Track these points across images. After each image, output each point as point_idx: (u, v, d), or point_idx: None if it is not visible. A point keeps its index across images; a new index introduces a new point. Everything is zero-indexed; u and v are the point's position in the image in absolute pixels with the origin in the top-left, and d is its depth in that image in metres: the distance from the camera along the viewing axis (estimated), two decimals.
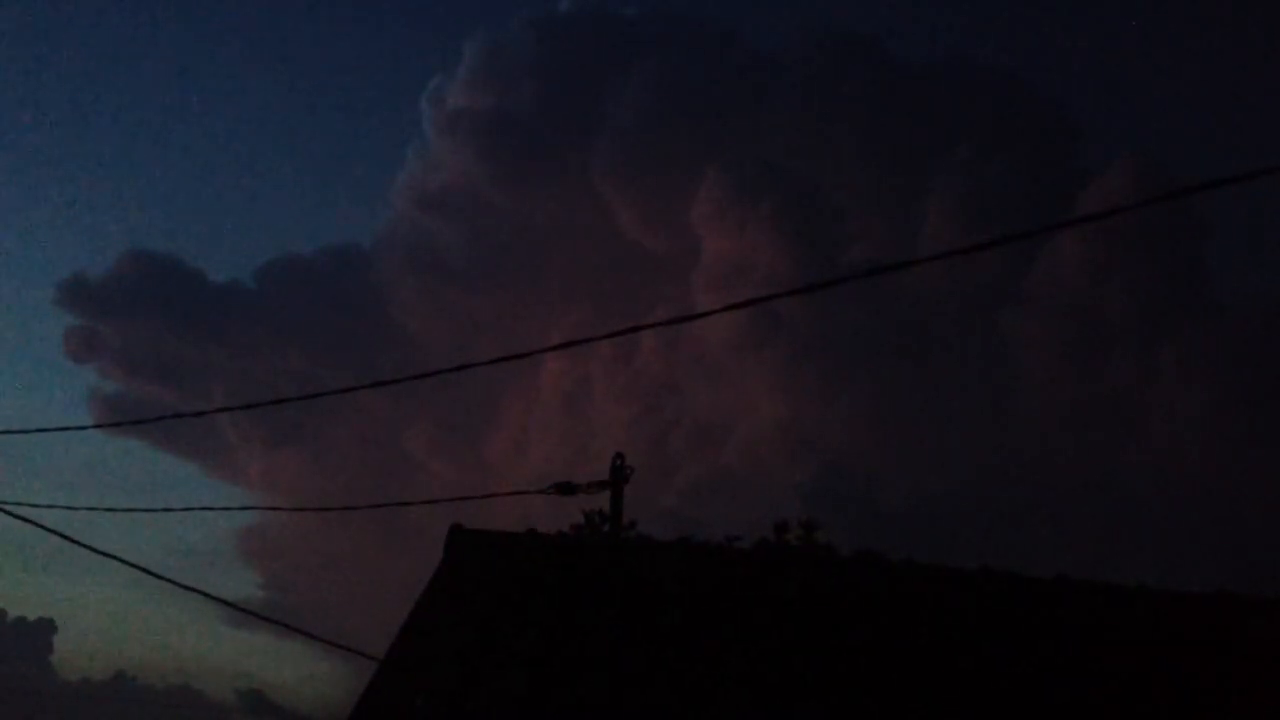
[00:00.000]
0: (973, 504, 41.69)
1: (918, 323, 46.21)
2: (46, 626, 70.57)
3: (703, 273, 46.76)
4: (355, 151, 69.64)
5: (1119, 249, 43.51)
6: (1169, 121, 58.61)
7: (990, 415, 45.05)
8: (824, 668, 11.26)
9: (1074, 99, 60.25)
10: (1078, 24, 62.70)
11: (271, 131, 69.12)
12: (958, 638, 11.66)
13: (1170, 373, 43.63)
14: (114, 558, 15.99)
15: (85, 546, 15.68)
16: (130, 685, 68.25)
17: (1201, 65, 59.45)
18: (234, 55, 70.83)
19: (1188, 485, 41.55)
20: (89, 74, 69.10)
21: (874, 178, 48.01)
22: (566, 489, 15.92)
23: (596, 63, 49.97)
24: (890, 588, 12.01)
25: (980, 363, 46.17)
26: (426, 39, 72.89)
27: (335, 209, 72.87)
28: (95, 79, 69.24)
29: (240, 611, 16.15)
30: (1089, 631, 11.77)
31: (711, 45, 50.20)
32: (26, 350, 66.61)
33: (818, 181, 47.46)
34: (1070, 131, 49.12)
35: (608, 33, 51.12)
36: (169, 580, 16.37)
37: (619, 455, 15.43)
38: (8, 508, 15.93)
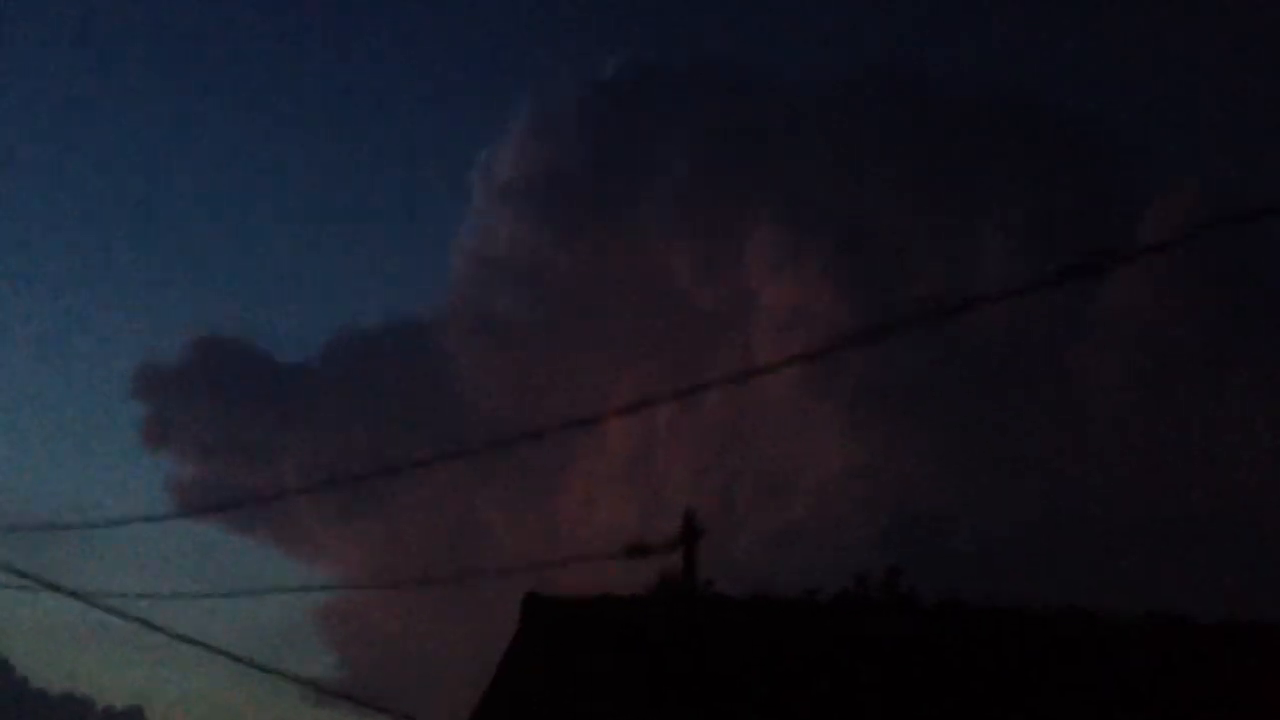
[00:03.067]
0: (1050, 541, 41.01)
1: (982, 359, 45.76)
2: (135, 715, 71.06)
3: (762, 322, 46.63)
4: (411, 223, 70.28)
5: (1184, 275, 42.93)
6: (1230, 141, 57.82)
7: (1064, 450, 44.39)
8: (912, 716, 11.09)
9: (1129, 121, 59.71)
10: (1127, 46, 62.20)
11: (327, 209, 70.02)
12: (1043, 679, 11.44)
13: (1244, 400, 42.82)
14: (197, 643, 16.13)
15: (167, 633, 15.83)
16: None
17: (1260, 82, 58.71)
18: (285, 139, 71.89)
19: (1271, 514, 40.63)
20: (146, 171, 70.48)
21: (930, 213, 47.77)
22: (639, 551, 15.80)
23: (643, 120, 50.30)
24: (973, 633, 11.82)
25: (1049, 396, 45.56)
26: (474, 107, 73.65)
27: (395, 283, 73.53)
28: (153, 176, 70.59)
29: (323, 692, 16.19)
30: (1179, 668, 11.50)
31: (756, 93, 50.36)
32: (103, 441, 67.53)
33: (873, 222, 47.32)
34: (1128, 154, 48.69)
35: (653, 90, 51.46)
36: (250, 663, 16.48)
37: (690, 513, 15.29)
38: (93, 598, 16.14)
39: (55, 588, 16.01)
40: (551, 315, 51.43)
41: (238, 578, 56.44)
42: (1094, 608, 13.21)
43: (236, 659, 16.15)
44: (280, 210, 70.70)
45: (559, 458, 50.46)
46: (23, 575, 15.85)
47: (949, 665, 11.55)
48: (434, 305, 61.11)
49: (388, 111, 72.00)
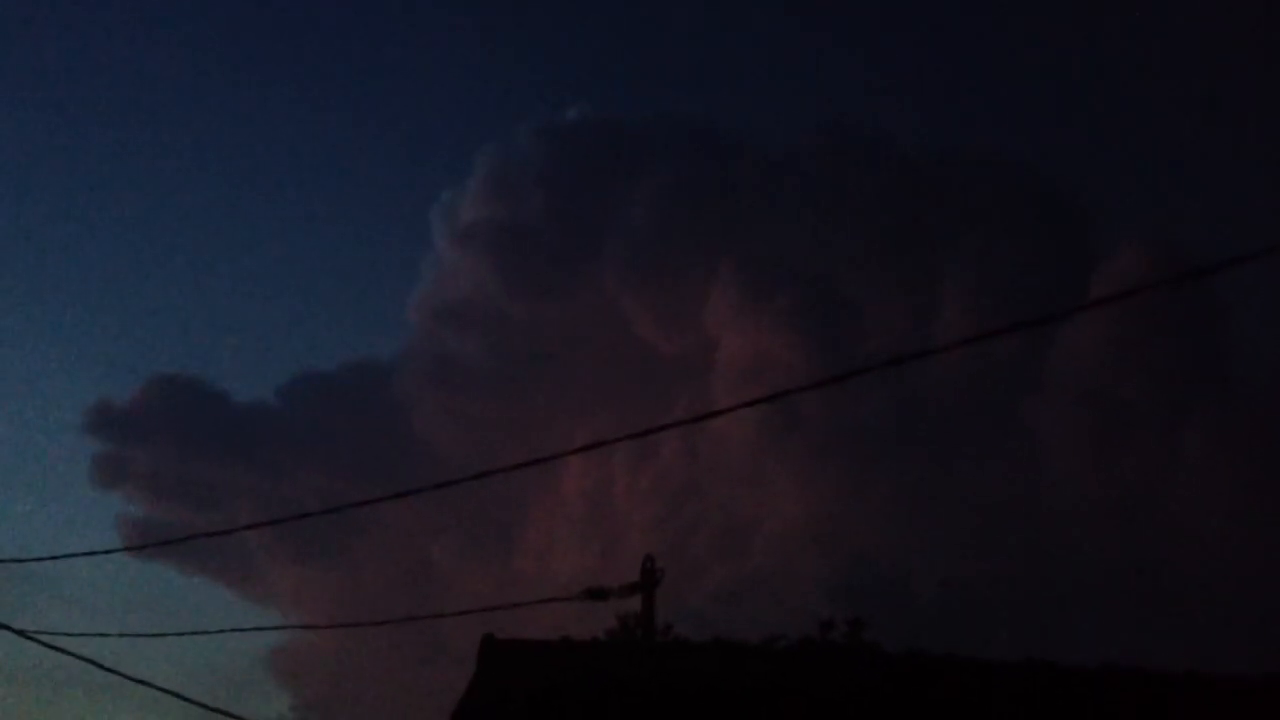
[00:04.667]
0: (1007, 591, 41.21)
1: (938, 411, 46.09)
2: None
3: (721, 373, 46.77)
4: (370, 267, 70.10)
5: (1136, 330, 43.46)
6: (1179, 200, 58.75)
7: (1018, 502, 44.70)
8: None
9: (1083, 181, 60.70)
10: (1083, 106, 63.28)
11: (286, 250, 69.78)
12: None
13: (1198, 453, 43.31)
14: (146, 684, 15.91)
15: (117, 673, 15.61)
16: None
17: (1210, 141, 59.75)
18: (242, 180, 71.71)
19: (1222, 565, 41.04)
20: (102, 207, 70.04)
21: (888, 269, 48.21)
22: (597, 594, 15.78)
23: (606, 169, 50.55)
24: (936, 684, 11.84)
25: (1004, 448, 45.90)
26: (435, 152, 73.93)
27: (354, 325, 73.25)
28: (110, 212, 70.17)
29: None
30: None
31: (720, 146, 50.74)
32: (53, 479, 66.75)
33: (831, 276, 47.69)
34: (1081, 214, 49.35)
35: (616, 139, 51.76)
36: (200, 704, 16.28)
37: (649, 558, 15.29)
38: (40, 636, 15.88)
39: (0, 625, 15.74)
40: (511, 362, 51.39)
41: (191, 618, 55.81)
42: (1052, 658, 13.25)
43: (188, 700, 15.94)
44: (239, 248, 70.59)
45: (516, 502, 50.34)
46: None
47: (909, 715, 11.55)
48: (392, 348, 60.93)
49: (350, 154, 72.23)
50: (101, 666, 15.86)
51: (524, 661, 13.44)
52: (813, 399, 43.68)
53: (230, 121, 71.61)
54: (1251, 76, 55.43)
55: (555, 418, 50.31)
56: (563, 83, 74.70)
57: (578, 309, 50.70)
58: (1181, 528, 42.67)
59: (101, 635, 16.66)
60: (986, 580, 41.99)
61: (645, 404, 48.29)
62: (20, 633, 15.99)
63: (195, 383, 53.98)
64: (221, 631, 17.21)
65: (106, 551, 22.80)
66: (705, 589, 42.54)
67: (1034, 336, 41.37)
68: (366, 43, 73.00)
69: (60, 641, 15.85)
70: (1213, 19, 54.57)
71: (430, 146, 72.37)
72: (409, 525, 49.83)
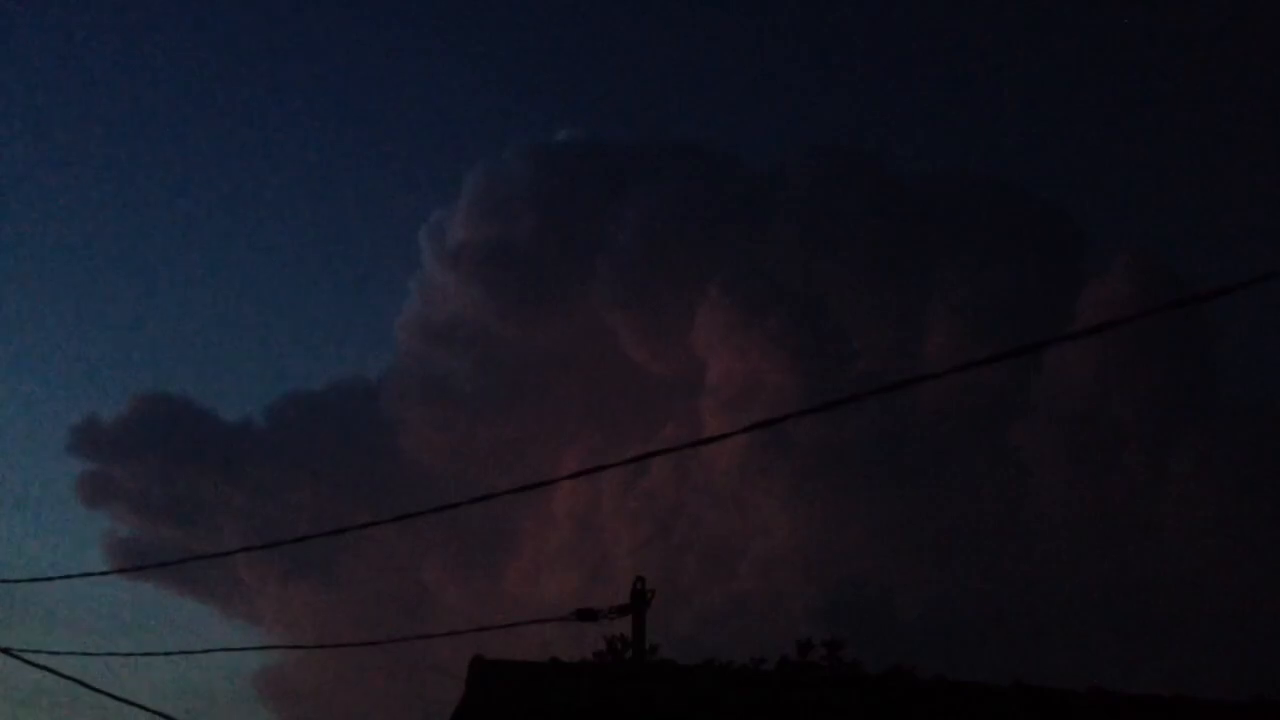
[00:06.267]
0: (993, 615, 41.25)
1: (926, 433, 46.18)
2: None
3: (710, 394, 46.81)
4: (359, 286, 69.94)
5: (1125, 352, 43.59)
6: (1171, 222, 58.99)
7: (1005, 525, 44.78)
8: None
9: (1073, 201, 61.03)
10: (1074, 128, 63.62)
11: (274, 269, 69.62)
12: None
13: (1185, 476, 43.40)
14: (132, 703, 15.84)
15: (103, 693, 15.55)
16: None
17: (1202, 165, 60.07)
18: (230, 198, 71.58)
19: (1211, 587, 41.13)
20: (89, 224, 69.88)
21: (877, 291, 48.36)
22: (588, 615, 15.79)
23: (595, 190, 50.63)
24: (920, 707, 11.85)
25: (992, 472, 45.99)
26: (425, 172, 74.00)
27: (342, 344, 73.02)
28: (95, 230, 69.98)
29: None
30: None
31: (709, 167, 50.90)
32: (39, 497, 66.35)
33: (821, 297, 47.81)
34: (1071, 233, 49.53)
35: (605, 160, 51.88)
36: None
37: (640, 579, 15.31)
38: (25, 655, 15.82)
39: None
40: (499, 381, 51.37)
41: (177, 637, 55.53)
42: (1038, 681, 13.26)
43: None
44: (226, 267, 70.46)
45: (506, 522, 50.22)
46: None
47: None
48: (380, 367, 60.81)
49: (339, 174, 72.29)
50: (88, 686, 15.79)
51: (513, 683, 13.40)
52: (799, 422, 43.74)
53: (219, 141, 71.67)
54: (1244, 96, 55.82)
55: (544, 437, 50.33)
56: (552, 104, 74.94)
57: (567, 329, 50.78)
58: (1170, 550, 42.77)
59: (87, 655, 16.59)
60: (974, 602, 42.06)
61: (634, 424, 48.33)
62: (6, 651, 15.94)
63: (182, 401, 53.84)
64: (208, 651, 17.15)
65: (102, 574, 22.73)
66: (692, 611, 42.52)
67: (1021, 359, 41.47)
68: (356, 64, 73.14)
69: (45, 660, 15.80)
70: (1206, 38, 55.04)
71: (420, 167, 72.48)
72: (397, 545, 49.75)
